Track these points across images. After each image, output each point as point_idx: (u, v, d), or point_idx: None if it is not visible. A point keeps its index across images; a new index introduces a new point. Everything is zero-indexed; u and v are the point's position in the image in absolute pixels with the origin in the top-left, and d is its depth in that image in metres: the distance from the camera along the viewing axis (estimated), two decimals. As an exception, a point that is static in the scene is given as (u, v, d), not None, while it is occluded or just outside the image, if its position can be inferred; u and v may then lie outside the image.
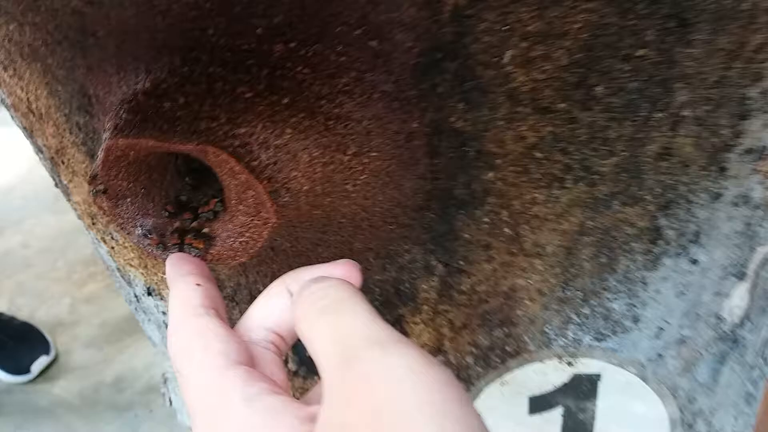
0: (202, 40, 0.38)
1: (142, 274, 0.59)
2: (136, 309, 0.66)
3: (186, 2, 0.37)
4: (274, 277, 0.52)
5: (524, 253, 0.44)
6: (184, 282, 0.34)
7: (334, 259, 0.34)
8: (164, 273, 0.56)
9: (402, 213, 0.44)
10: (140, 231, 0.38)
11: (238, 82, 0.35)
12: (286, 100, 0.35)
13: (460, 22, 0.36)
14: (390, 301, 0.49)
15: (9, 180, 2.48)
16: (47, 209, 2.31)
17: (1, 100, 0.53)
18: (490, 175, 0.41)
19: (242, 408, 0.26)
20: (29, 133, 0.52)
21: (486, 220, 0.43)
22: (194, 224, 0.38)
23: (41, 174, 2.45)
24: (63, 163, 0.52)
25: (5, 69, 0.47)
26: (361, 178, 0.41)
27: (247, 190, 0.34)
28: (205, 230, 0.38)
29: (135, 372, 1.68)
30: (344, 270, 0.32)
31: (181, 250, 0.37)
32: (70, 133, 0.48)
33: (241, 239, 0.36)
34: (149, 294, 0.57)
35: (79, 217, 0.59)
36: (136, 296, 0.63)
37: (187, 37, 0.38)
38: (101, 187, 0.36)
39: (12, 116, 0.54)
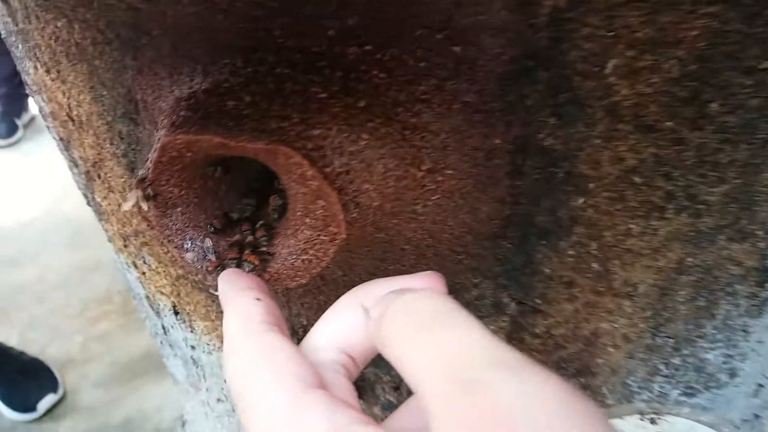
0: (267, 40, 0.34)
1: (174, 304, 0.54)
2: (161, 342, 0.62)
3: (250, 1, 0.34)
4: (320, 310, 0.48)
5: (612, 292, 0.39)
6: (242, 297, 0.29)
7: None
8: (197, 302, 0.51)
9: (473, 241, 0.39)
10: (189, 245, 0.34)
11: (310, 83, 0.32)
12: (362, 104, 0.32)
13: (558, 26, 0.32)
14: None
15: (28, 213, 2.47)
16: (65, 245, 2.28)
17: (39, 108, 0.49)
18: (581, 201, 0.36)
19: None
20: (65, 144, 0.49)
21: (571, 252, 0.38)
22: (250, 239, 0.34)
23: (61, 209, 2.43)
24: (99, 177, 0.48)
25: (48, 71, 0.43)
26: (433, 198, 0.37)
27: (316, 200, 0.30)
28: (263, 248, 0.34)
29: (144, 414, 1.62)
30: (428, 283, 0.28)
31: (238, 266, 0.33)
32: (111, 143, 0.45)
33: (304, 257, 0.32)
34: (176, 313, 0.52)
35: (110, 240, 0.55)
36: (163, 328, 0.58)
37: (250, 38, 0.34)
38: (150, 192, 0.32)
39: (48, 126, 0.50)
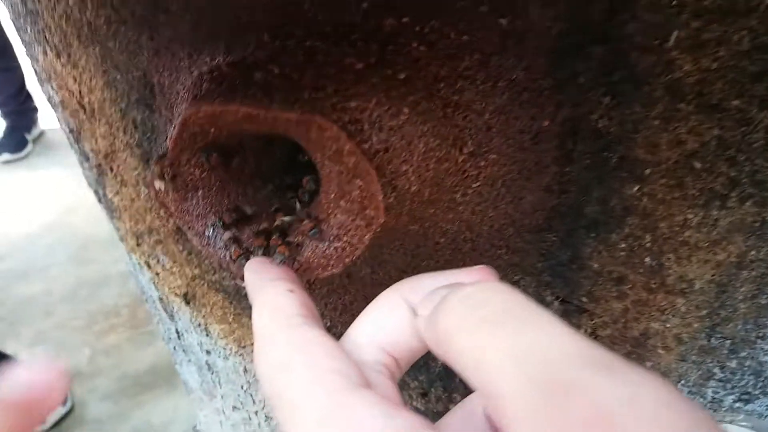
0: (296, 14, 0.32)
1: (189, 305, 0.51)
2: (174, 348, 0.59)
3: (278, -26, 0.32)
4: (345, 310, 0.45)
5: (666, 289, 0.36)
6: (273, 288, 0.27)
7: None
8: (214, 304, 0.48)
9: (515, 234, 0.36)
10: (211, 232, 0.31)
11: (344, 55, 0.29)
12: (402, 76, 0.29)
13: (614, -5, 0.30)
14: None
15: (36, 227, 2.45)
16: (72, 258, 2.26)
17: (49, 98, 0.47)
18: (635, 189, 0.33)
19: None
20: (76, 135, 0.46)
21: (623, 246, 0.35)
22: (277, 224, 0.31)
23: (69, 222, 2.42)
24: (111, 170, 0.45)
25: (58, 56, 0.41)
26: (474, 186, 0.34)
27: (353, 179, 0.27)
28: (290, 239, 0.31)
29: (152, 428, 1.58)
30: (481, 278, 0.25)
31: (264, 254, 0.30)
32: (125, 132, 0.42)
33: (336, 244, 0.29)
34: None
35: (122, 239, 0.52)
36: (177, 332, 0.55)
37: (277, 12, 0.32)
38: (169, 172, 0.29)
39: (59, 118, 0.48)
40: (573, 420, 0.15)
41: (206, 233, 0.31)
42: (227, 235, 0.31)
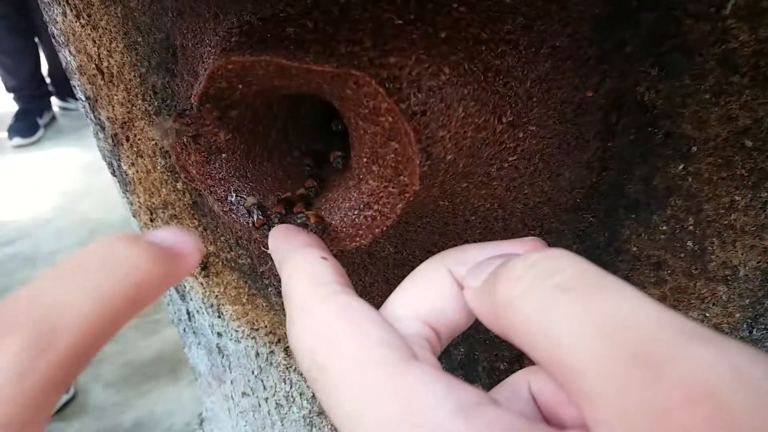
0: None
1: (201, 284, 0.50)
2: (184, 330, 0.57)
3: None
4: (365, 292, 0.43)
5: (707, 275, 0.34)
6: (303, 254, 0.25)
7: None
8: (228, 284, 0.47)
9: (551, 214, 0.34)
10: (234, 198, 0.29)
11: (382, 10, 0.27)
12: (443, 35, 0.27)
13: (668, -43, 0.28)
14: (513, 332, 0.40)
15: (45, 211, 2.44)
16: (80, 244, 2.25)
17: (65, 64, 0.46)
18: (680, 167, 0.32)
19: (456, 422, 0.16)
20: (92, 104, 0.45)
21: (664, 228, 0.33)
22: (302, 191, 0.29)
23: (78, 208, 2.41)
24: (128, 139, 0.44)
25: (78, 16, 0.40)
26: (510, 159, 0.32)
27: (388, 141, 0.26)
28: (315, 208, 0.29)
29: (155, 418, 1.57)
30: (533, 249, 0.23)
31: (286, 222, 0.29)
32: (143, 99, 0.41)
33: (367, 212, 0.27)
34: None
35: (135, 215, 0.51)
36: (188, 313, 0.54)
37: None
38: (191, 130, 0.28)
39: (75, 86, 0.46)
40: (671, 396, 0.13)
41: (228, 198, 0.29)
42: (251, 200, 0.29)
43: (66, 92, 2.94)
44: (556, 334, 0.16)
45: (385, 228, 0.28)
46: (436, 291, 0.23)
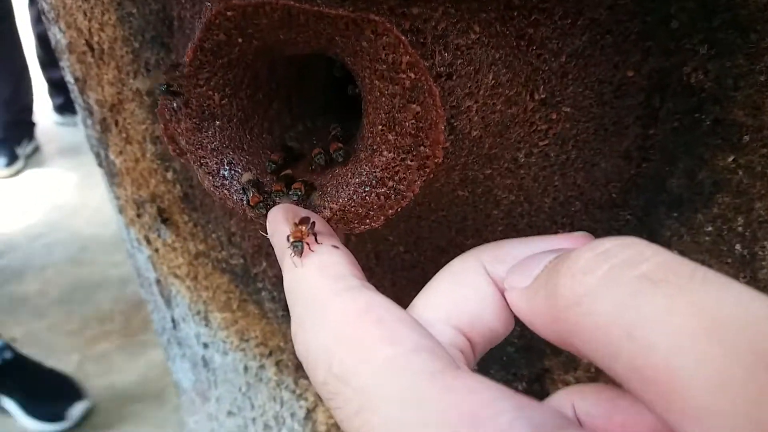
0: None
1: (189, 288, 0.46)
2: (168, 341, 0.53)
3: None
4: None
5: (757, 284, 0.30)
6: (311, 243, 0.21)
7: None
8: (217, 287, 0.43)
9: (582, 210, 0.31)
10: (227, 172, 0.26)
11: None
12: (473, -9, 0.24)
13: None
14: (534, 347, 0.36)
15: (36, 226, 2.40)
16: (70, 260, 2.20)
17: (55, 43, 0.42)
18: (730, 159, 0.28)
19: None
20: (81, 85, 0.41)
21: (709, 229, 0.30)
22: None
23: (70, 223, 2.38)
24: (117, 124, 0.40)
25: (68, -15, 0.36)
26: (541, 144, 0.29)
27: (408, 104, 0.22)
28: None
29: (137, 443, 1.51)
30: (580, 244, 0.20)
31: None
32: (135, 77, 0.37)
33: (379, 189, 0.24)
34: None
35: (120, 210, 0.47)
36: (173, 321, 0.50)
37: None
38: (182, 92, 0.24)
39: (64, 67, 0.43)
40: None
41: (221, 172, 0.26)
42: (247, 176, 0.26)
43: (65, 108, 2.87)
44: (647, 335, 0.13)
45: (400, 209, 0.24)
46: (471, 292, 0.20)
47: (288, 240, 0.22)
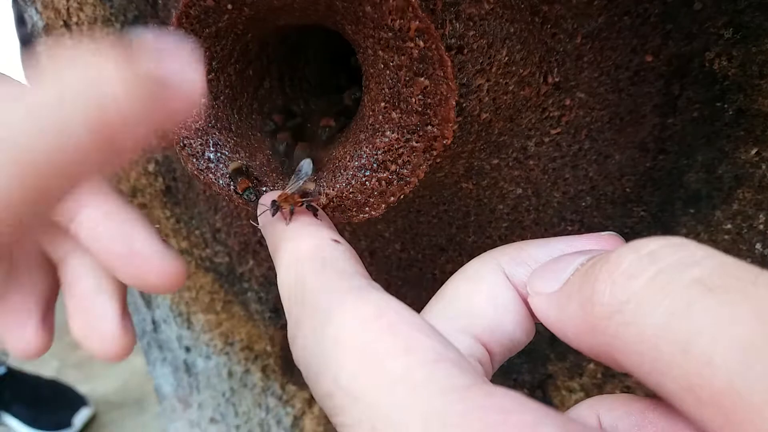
0: None
1: (170, 287, 0.43)
2: (148, 344, 0.50)
3: None
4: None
5: (778, 288, 0.28)
6: (310, 234, 0.19)
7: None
8: (200, 287, 0.40)
9: (594, 206, 0.29)
10: (212, 154, 0.23)
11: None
12: (486, -41, 0.22)
13: None
14: (536, 351, 0.34)
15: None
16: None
17: (31, 27, 0.40)
18: (752, 152, 0.26)
19: None
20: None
21: (728, 227, 0.28)
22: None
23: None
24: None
25: (46, -40, 0.34)
26: (553, 132, 0.27)
27: (415, 78, 0.20)
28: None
29: (116, 451, 1.47)
30: (610, 247, 0.18)
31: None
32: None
33: (381, 174, 0.22)
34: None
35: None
36: (154, 323, 0.47)
37: None
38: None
39: (41, 52, 0.40)
40: None
41: (206, 154, 0.23)
42: (233, 165, 0.24)
43: None
44: (706, 350, 0.11)
45: (402, 196, 0.22)
46: (490, 298, 0.18)
47: (278, 210, 0.20)
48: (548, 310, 0.16)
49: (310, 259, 0.18)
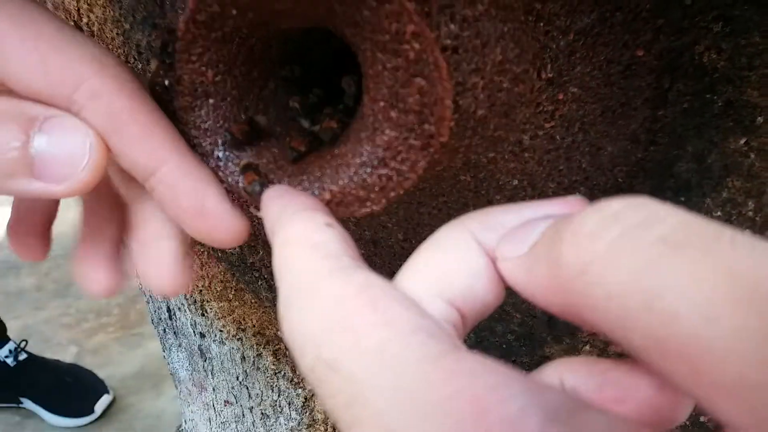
0: None
1: (184, 276, 0.45)
2: (164, 330, 0.52)
3: None
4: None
5: None
6: (305, 220, 0.20)
7: None
8: (213, 276, 0.42)
9: (587, 195, 0.30)
10: (222, 153, 0.25)
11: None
12: (479, -40, 0.23)
13: None
14: (533, 335, 0.35)
15: (34, 219, 2.39)
16: (66, 254, 2.20)
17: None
18: (741, 142, 0.27)
19: None
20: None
21: (718, 214, 0.29)
22: (295, 143, 0.25)
23: (65, 216, 2.38)
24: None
25: (57, -37, 0.35)
26: (547, 126, 0.28)
27: (412, 78, 0.21)
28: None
29: (134, 434, 1.50)
30: (575, 209, 0.19)
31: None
32: (126, 61, 0.36)
33: (381, 171, 0.23)
34: None
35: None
36: (169, 311, 0.49)
37: None
38: (173, 69, 0.23)
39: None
40: None
41: (215, 153, 0.25)
42: (244, 161, 0.25)
43: None
44: (671, 305, 0.12)
45: (402, 191, 0.23)
46: (461, 263, 0.18)
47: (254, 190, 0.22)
48: (517, 273, 0.17)
49: (300, 242, 0.19)
